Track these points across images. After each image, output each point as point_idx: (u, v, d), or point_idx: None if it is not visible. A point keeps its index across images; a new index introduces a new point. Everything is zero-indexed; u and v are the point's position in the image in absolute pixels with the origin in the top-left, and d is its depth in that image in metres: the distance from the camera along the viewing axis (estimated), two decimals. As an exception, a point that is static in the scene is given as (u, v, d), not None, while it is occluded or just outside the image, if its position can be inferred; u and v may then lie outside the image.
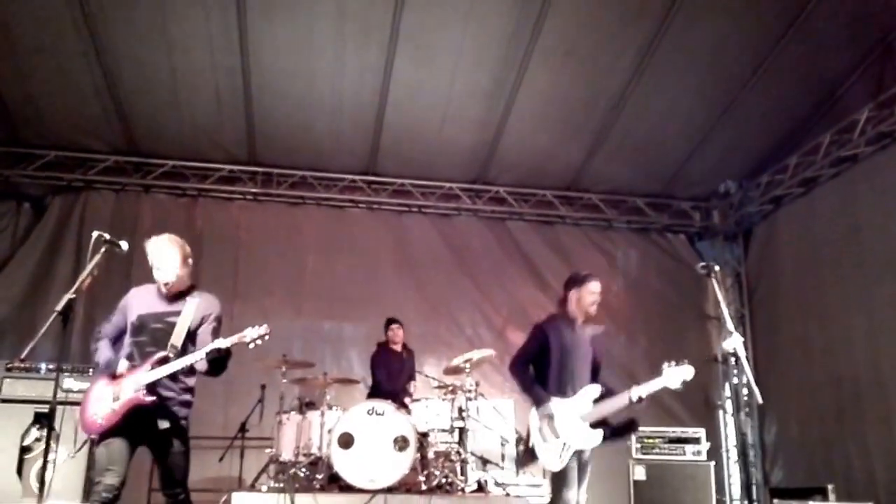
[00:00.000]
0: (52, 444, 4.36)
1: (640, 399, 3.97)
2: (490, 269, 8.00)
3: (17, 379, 5.39)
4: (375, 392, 6.47)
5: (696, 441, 6.13)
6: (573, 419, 4.05)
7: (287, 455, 5.81)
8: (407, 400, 6.35)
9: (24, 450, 5.27)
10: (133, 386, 3.45)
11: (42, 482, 3.40)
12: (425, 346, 7.38)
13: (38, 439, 5.30)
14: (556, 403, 4.08)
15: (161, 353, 3.51)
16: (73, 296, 3.28)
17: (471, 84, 6.83)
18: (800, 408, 7.23)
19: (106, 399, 3.47)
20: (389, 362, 6.63)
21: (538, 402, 4.14)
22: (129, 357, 3.57)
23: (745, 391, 8.01)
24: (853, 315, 6.58)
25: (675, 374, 3.94)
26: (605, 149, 7.59)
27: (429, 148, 7.64)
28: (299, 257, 7.83)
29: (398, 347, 6.73)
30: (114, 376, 3.54)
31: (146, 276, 7.42)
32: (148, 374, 3.46)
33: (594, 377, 4.23)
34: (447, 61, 6.57)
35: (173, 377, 3.54)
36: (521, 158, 7.82)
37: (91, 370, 5.59)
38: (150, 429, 3.51)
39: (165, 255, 3.71)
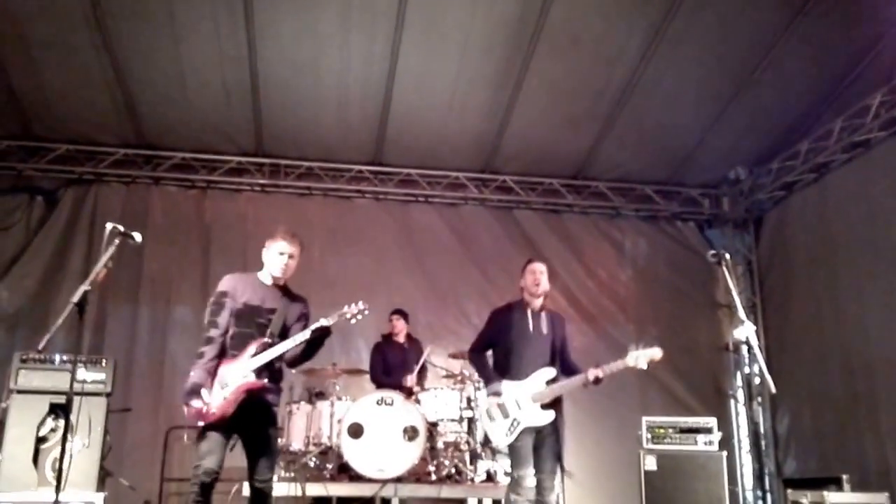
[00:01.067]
0: (68, 435, 4.39)
1: (598, 380, 4.24)
2: (497, 258, 7.99)
3: (33, 370, 5.44)
4: (374, 382, 6.52)
5: (708, 431, 6.08)
6: (523, 399, 4.33)
7: (297, 445, 5.86)
8: (416, 388, 6.36)
9: (40, 440, 5.32)
10: (241, 372, 3.61)
11: (59, 472, 3.42)
12: (433, 336, 7.39)
13: (53, 430, 5.35)
14: (506, 385, 4.38)
15: (264, 339, 3.68)
16: (89, 287, 3.30)
17: (477, 72, 6.79)
18: (813, 397, 7.18)
19: (214, 390, 3.60)
20: (387, 354, 6.64)
21: (487, 383, 4.52)
22: (233, 346, 3.70)
23: (757, 380, 7.97)
24: (867, 303, 6.51)
25: (641, 356, 4.21)
26: (613, 136, 7.53)
27: (435, 137, 7.62)
28: (307, 248, 7.69)
29: (400, 339, 6.74)
30: (192, 397, 3.60)
31: (159, 269, 7.53)
32: (253, 359, 3.63)
33: (553, 360, 4.44)
34: (453, 49, 6.54)
35: (270, 368, 3.69)
36: (528, 147, 7.79)
37: (104, 360, 5.65)
38: (248, 418, 3.64)
39: (296, 251, 3.92)
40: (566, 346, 4.57)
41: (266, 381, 3.66)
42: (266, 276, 3.92)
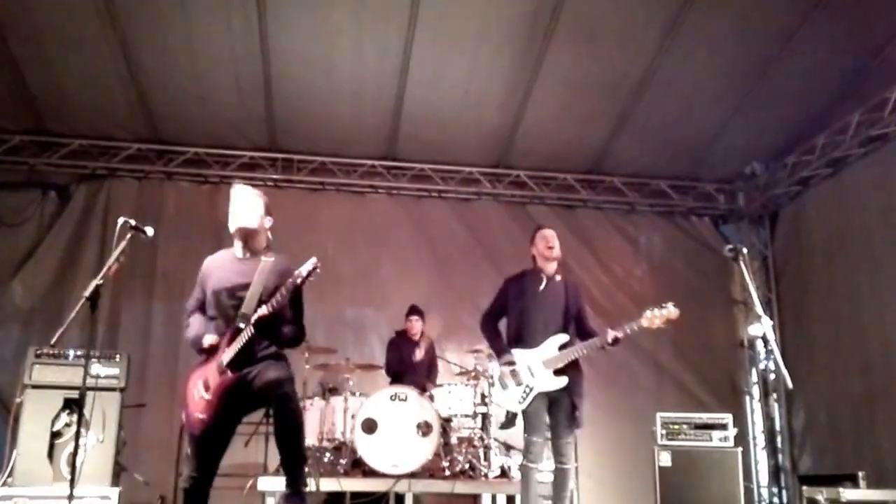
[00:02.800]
0: (82, 430, 4.40)
1: (617, 340, 4.23)
2: (511, 254, 7.90)
3: (46, 365, 5.45)
4: (388, 374, 6.54)
5: (723, 427, 6.03)
6: (535, 365, 4.34)
7: (311, 440, 5.85)
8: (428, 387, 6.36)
9: (55, 435, 5.33)
10: (218, 370, 3.38)
11: (73, 467, 3.43)
12: (447, 332, 7.37)
13: (67, 424, 5.36)
14: (517, 353, 4.40)
15: (233, 327, 3.40)
16: (101, 282, 3.29)
17: (491, 66, 6.75)
18: (829, 393, 7.12)
19: (200, 391, 3.42)
20: (402, 350, 6.64)
21: (498, 354, 4.51)
22: (210, 319, 3.52)
23: (772, 376, 7.91)
24: (884, 298, 6.44)
25: (657, 316, 4.19)
26: (628, 131, 7.47)
27: (448, 132, 7.58)
28: (320, 243, 7.80)
29: (416, 337, 6.72)
30: (205, 353, 3.44)
31: (172, 264, 7.54)
32: (225, 354, 3.38)
33: (566, 326, 4.42)
34: (467, 44, 6.49)
35: (248, 350, 3.37)
36: (542, 141, 7.74)
37: (117, 355, 5.67)
38: (246, 394, 3.38)
39: (247, 202, 3.57)
40: (583, 312, 4.56)
41: (237, 373, 3.33)
42: (238, 249, 3.61)
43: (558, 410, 4.35)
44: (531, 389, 4.33)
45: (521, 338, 4.45)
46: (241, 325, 3.38)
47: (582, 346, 4.34)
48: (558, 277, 4.55)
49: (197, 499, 3.46)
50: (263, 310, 3.33)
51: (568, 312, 4.48)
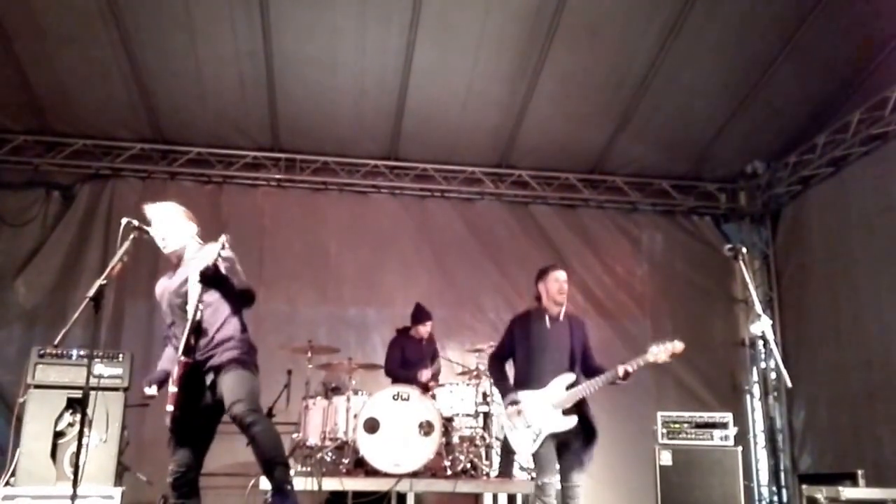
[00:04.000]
0: (85, 429, 4.42)
1: (627, 374, 4.22)
2: (513, 254, 7.97)
3: (50, 365, 5.47)
4: (389, 374, 6.50)
5: (724, 426, 6.05)
6: (543, 407, 4.31)
7: (313, 440, 5.87)
8: (430, 382, 6.36)
9: (58, 435, 5.36)
10: (177, 362, 3.54)
11: (76, 466, 3.46)
12: (449, 331, 7.39)
13: (70, 424, 5.39)
14: (524, 394, 4.37)
15: (186, 322, 3.56)
16: (105, 282, 3.31)
17: (493, 66, 6.77)
18: (829, 392, 7.13)
19: (169, 387, 3.57)
20: (405, 348, 6.61)
21: (503, 394, 4.52)
22: (176, 349, 3.64)
23: (773, 375, 7.92)
24: (885, 296, 6.45)
25: (662, 351, 4.19)
26: (630, 130, 7.49)
27: (451, 132, 7.60)
28: (323, 243, 7.86)
29: (422, 337, 6.72)
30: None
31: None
32: (179, 346, 3.55)
33: (572, 365, 4.40)
34: (469, 43, 6.52)
35: (204, 334, 3.56)
36: (544, 141, 7.75)
37: (121, 355, 5.69)
38: (197, 392, 3.57)
39: (160, 230, 3.73)
40: (588, 349, 4.53)
41: (191, 359, 3.52)
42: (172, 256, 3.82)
43: (567, 452, 4.31)
44: (541, 431, 4.29)
45: (528, 379, 4.41)
46: (190, 317, 3.51)
47: (591, 384, 4.29)
48: (563, 316, 4.52)
49: (184, 490, 3.57)
50: (206, 266, 3.44)
51: (573, 352, 4.44)
